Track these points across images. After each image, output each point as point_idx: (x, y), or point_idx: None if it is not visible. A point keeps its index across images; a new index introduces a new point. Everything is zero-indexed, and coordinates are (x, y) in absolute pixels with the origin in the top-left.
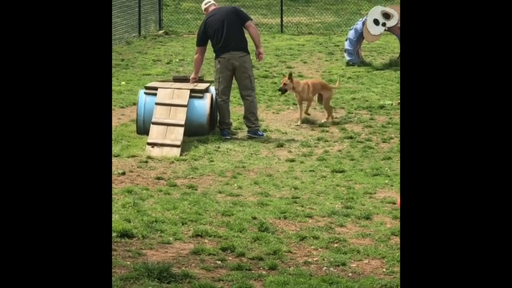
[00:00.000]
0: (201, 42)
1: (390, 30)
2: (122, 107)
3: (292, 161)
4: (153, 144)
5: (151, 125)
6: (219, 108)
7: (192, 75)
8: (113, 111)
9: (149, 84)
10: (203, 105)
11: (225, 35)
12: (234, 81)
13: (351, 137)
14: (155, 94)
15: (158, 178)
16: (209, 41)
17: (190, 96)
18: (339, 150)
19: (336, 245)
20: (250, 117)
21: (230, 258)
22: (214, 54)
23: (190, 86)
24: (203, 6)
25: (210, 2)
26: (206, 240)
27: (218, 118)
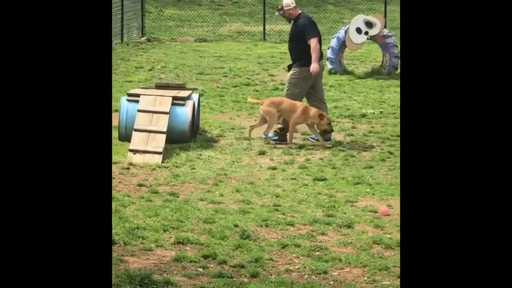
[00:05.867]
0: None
1: (372, 39)
2: None
3: (274, 168)
4: (135, 151)
5: (133, 132)
6: None
7: (315, 65)
8: None
9: (131, 91)
10: (185, 112)
11: None
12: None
13: (332, 145)
14: (137, 101)
15: (140, 185)
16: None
17: (172, 104)
18: (321, 159)
19: (317, 253)
20: None
21: (212, 265)
22: (297, 60)
23: (173, 93)
24: (292, 5)
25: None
26: (188, 248)
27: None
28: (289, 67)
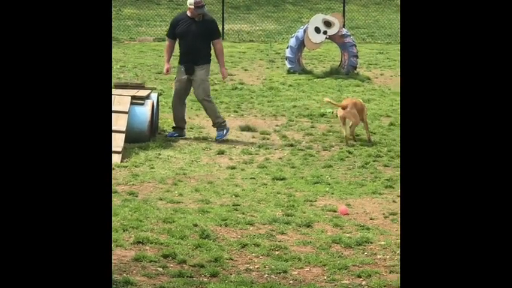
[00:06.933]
0: None
1: (331, 38)
2: None
3: (233, 168)
4: None
5: None
6: (213, 107)
7: (225, 70)
8: None
9: None
10: (144, 112)
11: None
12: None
13: (291, 145)
14: None
15: None
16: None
17: (131, 103)
18: (280, 158)
19: (277, 252)
20: None
21: (171, 265)
22: (203, 58)
23: (132, 92)
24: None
25: None
26: (147, 247)
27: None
28: (187, 67)
